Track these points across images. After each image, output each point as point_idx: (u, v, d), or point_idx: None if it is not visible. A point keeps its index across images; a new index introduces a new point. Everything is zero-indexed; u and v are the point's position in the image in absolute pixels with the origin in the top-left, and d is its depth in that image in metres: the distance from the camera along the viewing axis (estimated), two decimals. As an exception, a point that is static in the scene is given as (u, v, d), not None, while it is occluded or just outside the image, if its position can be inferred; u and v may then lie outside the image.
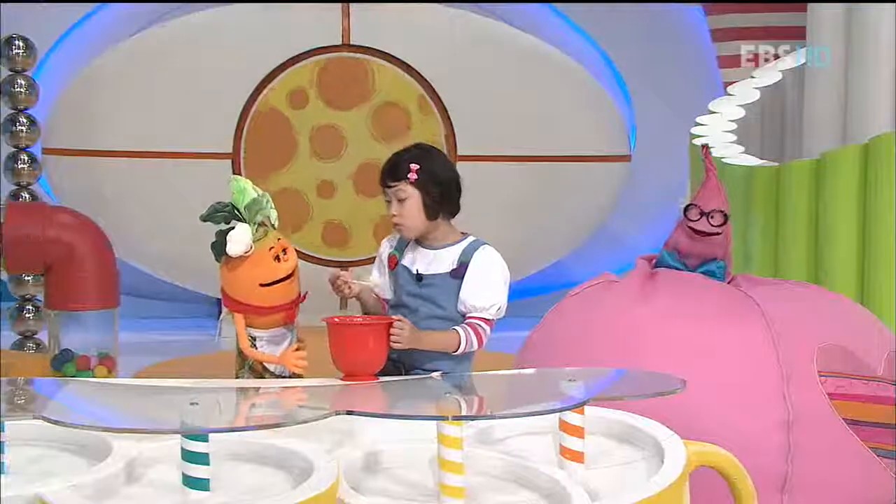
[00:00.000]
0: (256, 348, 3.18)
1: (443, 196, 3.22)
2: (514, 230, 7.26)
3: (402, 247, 3.31)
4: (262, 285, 3.14)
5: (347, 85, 7.28)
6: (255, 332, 3.18)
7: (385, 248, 3.35)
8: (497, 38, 7.42)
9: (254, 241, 3.12)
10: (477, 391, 2.70)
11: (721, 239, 3.60)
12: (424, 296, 3.22)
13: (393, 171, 3.23)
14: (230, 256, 3.11)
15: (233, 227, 3.14)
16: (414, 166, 3.19)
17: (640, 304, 3.43)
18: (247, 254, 3.11)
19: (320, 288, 3.30)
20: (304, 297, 3.24)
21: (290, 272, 3.16)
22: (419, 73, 7.31)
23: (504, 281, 3.24)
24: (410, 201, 3.20)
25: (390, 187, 3.22)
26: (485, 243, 3.26)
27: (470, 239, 3.27)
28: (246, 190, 3.15)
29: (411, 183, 3.19)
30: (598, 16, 8.12)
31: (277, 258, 3.14)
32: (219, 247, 3.14)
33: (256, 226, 3.15)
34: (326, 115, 7.32)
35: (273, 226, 3.19)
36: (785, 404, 3.17)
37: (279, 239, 3.17)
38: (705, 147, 3.75)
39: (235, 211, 3.15)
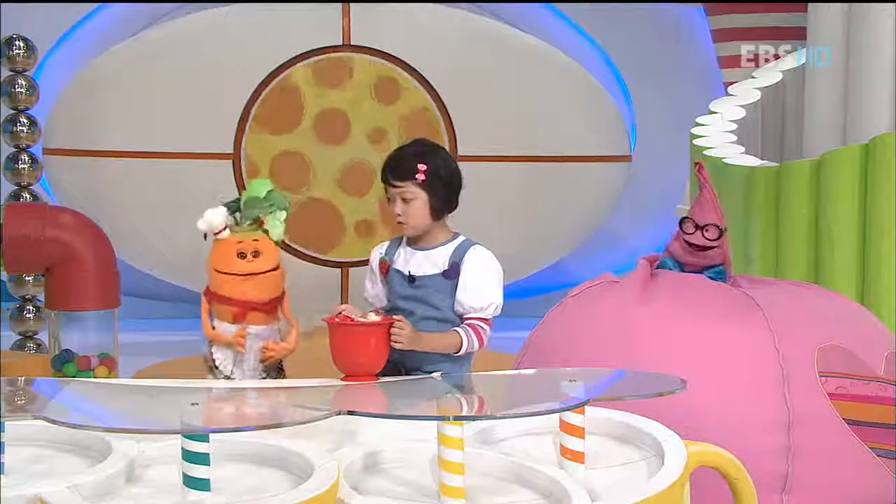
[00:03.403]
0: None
1: (448, 195, 3.21)
2: (515, 230, 7.26)
3: (392, 251, 3.29)
4: (216, 270, 3.22)
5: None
6: (215, 322, 3.27)
7: (375, 256, 3.33)
8: (497, 38, 7.42)
9: (231, 230, 3.22)
10: (477, 391, 2.70)
11: (717, 251, 3.61)
12: (418, 297, 3.20)
13: (399, 171, 3.18)
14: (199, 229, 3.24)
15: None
16: (422, 166, 3.15)
17: (641, 305, 3.43)
18: (218, 236, 3.21)
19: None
20: (273, 306, 3.25)
21: (245, 273, 3.18)
22: (419, 73, 7.31)
23: (499, 279, 3.22)
24: (417, 202, 3.17)
25: (396, 187, 3.19)
26: (476, 243, 3.24)
27: (460, 238, 3.25)
28: (255, 188, 3.26)
29: (418, 184, 3.16)
30: (598, 16, 8.11)
31: (242, 255, 3.17)
32: None
33: (248, 222, 3.23)
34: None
35: (266, 231, 3.24)
36: (785, 404, 3.17)
37: (255, 240, 3.20)
38: (698, 164, 3.76)
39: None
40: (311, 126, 7.23)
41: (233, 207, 3.26)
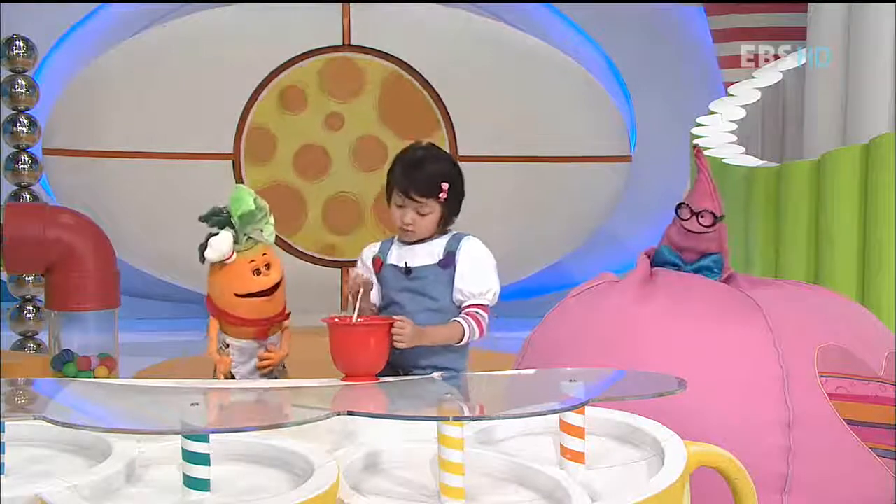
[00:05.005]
0: (228, 355, 3.23)
1: (458, 207, 3.24)
2: (515, 230, 7.27)
3: (385, 249, 3.29)
4: (236, 295, 3.17)
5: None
6: (229, 339, 3.23)
7: (368, 254, 3.32)
8: (497, 38, 7.43)
9: (237, 251, 3.15)
10: (477, 391, 2.70)
11: (714, 235, 3.62)
12: (414, 289, 3.20)
13: (422, 187, 3.16)
14: (210, 261, 3.15)
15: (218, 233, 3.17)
16: (445, 185, 3.16)
17: (641, 305, 3.43)
18: (226, 262, 3.13)
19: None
20: (286, 316, 3.25)
21: (267, 288, 3.16)
22: (419, 74, 7.32)
23: (494, 267, 3.23)
24: (433, 215, 3.18)
25: (414, 200, 3.17)
26: (468, 234, 3.26)
27: (453, 232, 3.26)
28: (243, 200, 3.16)
29: (439, 201, 3.17)
30: (598, 16, 8.12)
31: (258, 272, 3.15)
32: (202, 249, 3.17)
33: (246, 237, 3.17)
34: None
35: (265, 240, 3.20)
36: (785, 404, 3.17)
37: (264, 254, 3.18)
38: (697, 147, 3.77)
39: (231, 218, 3.17)
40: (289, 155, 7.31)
41: (222, 222, 3.18)
